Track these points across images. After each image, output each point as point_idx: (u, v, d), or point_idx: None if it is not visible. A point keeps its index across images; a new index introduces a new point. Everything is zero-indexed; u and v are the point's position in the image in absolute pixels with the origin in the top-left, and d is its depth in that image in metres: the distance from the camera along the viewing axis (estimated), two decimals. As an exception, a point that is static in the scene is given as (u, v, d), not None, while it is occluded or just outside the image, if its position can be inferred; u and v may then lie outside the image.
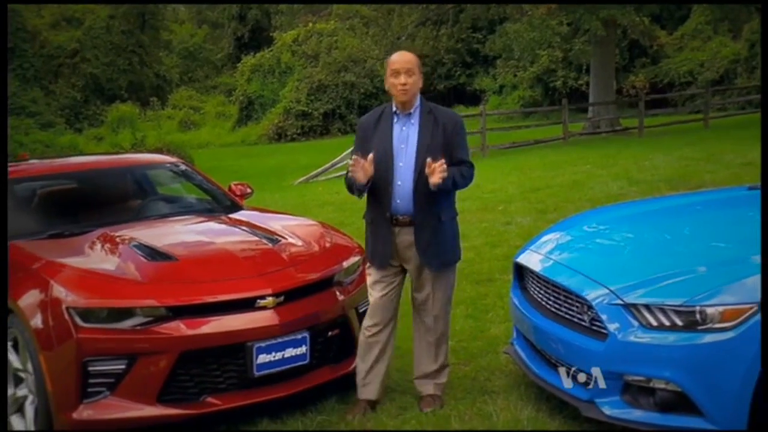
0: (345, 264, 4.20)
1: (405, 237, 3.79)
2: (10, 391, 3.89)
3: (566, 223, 4.69)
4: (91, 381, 3.51)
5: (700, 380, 3.00)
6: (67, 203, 5.14)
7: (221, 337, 3.63)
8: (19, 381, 3.84)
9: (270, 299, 3.75)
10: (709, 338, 3.00)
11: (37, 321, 3.59)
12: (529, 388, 3.96)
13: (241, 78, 35.49)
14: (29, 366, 3.67)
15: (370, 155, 3.70)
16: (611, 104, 22.83)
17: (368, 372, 3.91)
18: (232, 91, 38.10)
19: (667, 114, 24.43)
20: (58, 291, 3.61)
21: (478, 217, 9.27)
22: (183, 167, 5.71)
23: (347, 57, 31.78)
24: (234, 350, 3.66)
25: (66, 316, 3.52)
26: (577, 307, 3.48)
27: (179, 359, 3.56)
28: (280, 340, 3.73)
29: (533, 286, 3.95)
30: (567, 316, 3.55)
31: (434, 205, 3.76)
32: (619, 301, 3.22)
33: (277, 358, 3.72)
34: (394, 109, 3.86)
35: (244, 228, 4.56)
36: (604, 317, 3.25)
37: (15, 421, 3.86)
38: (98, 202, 5.17)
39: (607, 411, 3.25)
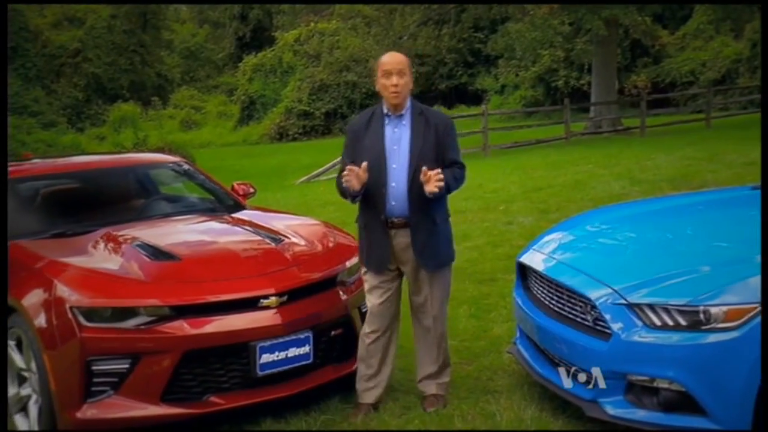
0: (348, 263, 4.19)
1: (401, 239, 3.78)
2: (13, 390, 3.90)
3: (569, 222, 4.69)
4: (95, 380, 3.51)
5: (703, 380, 3.00)
6: (70, 203, 5.14)
7: (224, 336, 3.63)
8: (22, 380, 3.85)
9: (273, 299, 3.75)
10: (712, 338, 3.00)
11: (40, 320, 3.59)
12: (533, 388, 3.96)
13: (243, 78, 35.50)
14: (33, 365, 3.68)
15: (365, 164, 3.65)
16: (613, 104, 22.83)
17: (371, 378, 3.91)
18: (233, 91, 38.12)
19: (669, 114, 24.42)
20: (62, 290, 3.61)
21: (480, 217, 9.27)
22: (186, 167, 5.72)
23: (349, 57, 31.78)
24: (237, 350, 3.66)
25: (69, 315, 3.53)
26: (580, 306, 3.47)
27: (182, 359, 3.56)
28: (283, 339, 3.73)
29: (536, 285, 3.95)
30: (570, 316, 3.55)
31: (429, 206, 3.74)
32: (623, 301, 3.22)
33: (280, 357, 3.72)
34: (384, 110, 3.83)
35: (247, 227, 4.56)
36: (607, 317, 3.25)
37: (19, 421, 3.87)
38: (101, 202, 5.17)
39: (611, 411, 3.25)
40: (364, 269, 3.91)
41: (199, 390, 3.64)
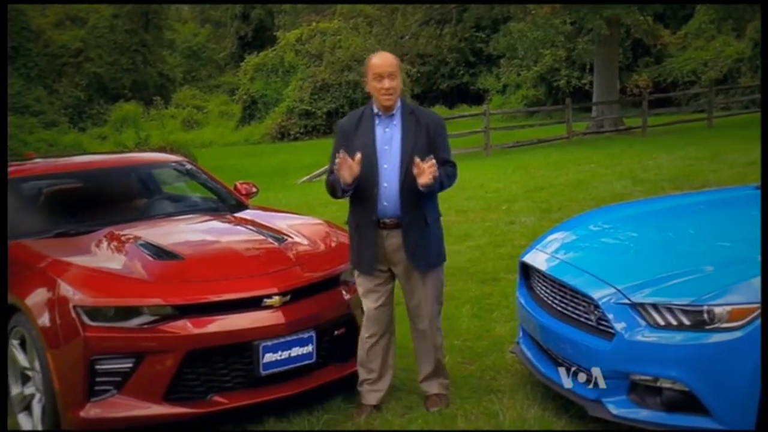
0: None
1: (393, 240, 3.76)
2: (17, 389, 3.91)
3: (572, 222, 4.69)
4: (98, 379, 3.52)
5: (707, 380, 3.00)
6: (73, 202, 5.15)
7: (228, 336, 3.64)
8: (26, 379, 3.86)
9: (276, 298, 3.75)
10: (716, 338, 2.99)
11: (44, 319, 3.60)
12: (536, 388, 3.96)
13: (245, 77, 35.47)
14: (36, 364, 3.69)
15: (358, 155, 3.62)
16: (615, 103, 22.81)
17: (374, 382, 3.92)
18: (235, 90, 38.08)
19: (671, 113, 24.41)
20: (65, 289, 3.62)
21: (482, 217, 9.28)
22: (188, 166, 5.72)
23: (351, 56, 31.74)
24: (240, 349, 3.66)
25: (73, 314, 3.53)
26: (583, 306, 3.47)
27: (186, 358, 3.56)
28: (286, 339, 3.73)
29: (539, 285, 3.95)
30: (573, 316, 3.55)
31: (421, 206, 3.73)
32: (626, 301, 3.22)
33: (283, 356, 3.73)
34: (375, 110, 3.81)
35: (249, 227, 4.56)
36: (610, 316, 3.25)
37: (22, 420, 3.88)
38: (104, 201, 5.18)
39: (614, 410, 3.25)
40: (356, 272, 3.89)
41: (203, 389, 3.65)
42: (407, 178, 3.66)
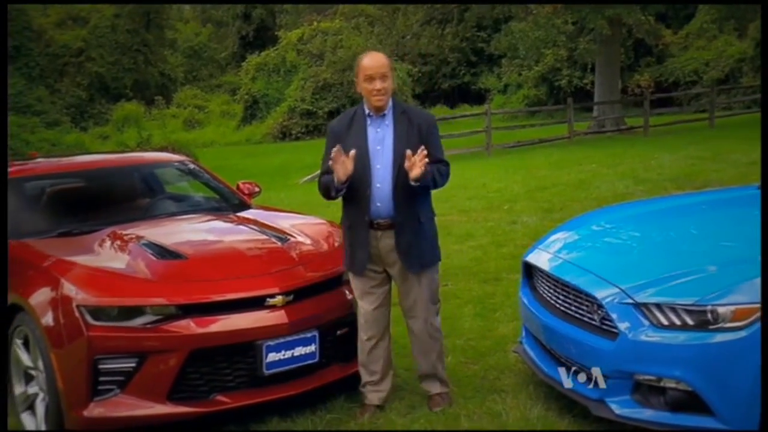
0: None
1: (387, 241, 3.74)
2: (20, 388, 3.91)
3: (574, 222, 4.69)
4: (102, 379, 3.52)
5: (711, 380, 3.00)
6: (77, 202, 5.15)
7: (231, 335, 3.64)
8: (29, 378, 3.86)
9: (279, 298, 3.75)
10: (720, 338, 2.99)
11: (47, 319, 3.60)
12: (539, 387, 3.96)
13: (246, 77, 35.46)
14: (40, 364, 3.69)
15: (353, 151, 3.60)
16: (616, 103, 22.79)
17: (376, 383, 3.92)
18: (236, 90, 38.07)
19: (673, 113, 24.38)
20: (69, 289, 3.62)
21: (484, 216, 9.27)
22: (191, 165, 5.72)
23: (352, 56, 31.64)
24: (244, 349, 3.67)
25: (76, 314, 3.54)
26: (587, 306, 3.47)
27: (189, 357, 3.56)
28: (289, 338, 3.73)
29: (542, 285, 3.95)
30: (577, 315, 3.55)
31: (414, 206, 3.72)
32: (630, 300, 3.22)
33: (286, 356, 3.73)
34: (366, 111, 3.79)
35: (252, 227, 4.56)
36: (614, 316, 3.25)
37: (26, 419, 3.88)
38: (107, 201, 5.18)
39: (617, 410, 3.25)
40: (350, 274, 3.88)
41: (206, 389, 3.65)
42: (400, 179, 3.64)
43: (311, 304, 3.89)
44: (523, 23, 22.04)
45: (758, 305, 2.97)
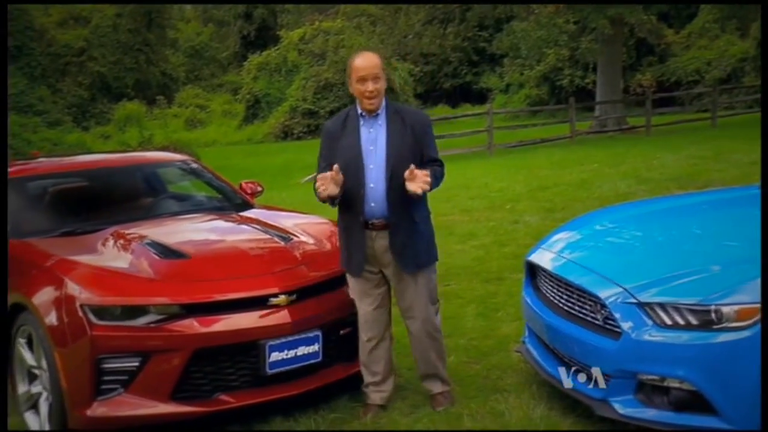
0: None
1: (382, 241, 3.73)
2: (24, 387, 3.92)
3: (577, 221, 4.69)
4: (105, 378, 3.53)
5: (714, 379, 3.00)
6: (79, 201, 5.15)
7: (234, 335, 3.64)
8: (33, 378, 3.87)
9: (282, 297, 3.75)
10: (723, 337, 2.99)
11: (51, 318, 3.61)
12: (542, 387, 3.95)
13: (248, 76, 35.46)
14: (43, 363, 3.70)
15: (335, 165, 3.60)
16: (618, 103, 22.77)
17: (379, 383, 3.92)
18: (238, 90, 38.07)
19: (674, 113, 24.34)
20: (72, 288, 3.62)
21: (486, 216, 9.27)
22: (193, 165, 5.73)
23: (354, 56, 31.70)
24: (247, 348, 3.67)
25: (80, 313, 3.54)
26: (590, 305, 3.47)
27: (192, 357, 3.56)
28: (292, 338, 3.73)
29: (545, 284, 3.95)
30: (580, 315, 3.55)
31: (408, 206, 3.69)
32: (633, 300, 3.22)
33: (289, 356, 3.73)
34: (359, 111, 3.78)
35: (255, 226, 4.56)
36: (617, 316, 3.25)
37: (29, 418, 3.89)
38: (110, 200, 5.18)
39: (621, 410, 3.25)
40: (348, 275, 3.88)
41: (209, 388, 3.65)
42: (394, 179, 3.63)
43: (314, 304, 3.89)
44: (524, 23, 22.04)
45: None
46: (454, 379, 4.10)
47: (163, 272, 3.82)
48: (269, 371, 3.69)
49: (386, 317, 3.92)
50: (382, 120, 3.76)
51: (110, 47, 38.47)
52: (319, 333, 3.84)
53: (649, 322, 3.16)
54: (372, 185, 3.69)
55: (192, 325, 3.58)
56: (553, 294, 3.83)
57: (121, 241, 4.22)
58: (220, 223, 4.74)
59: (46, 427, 3.75)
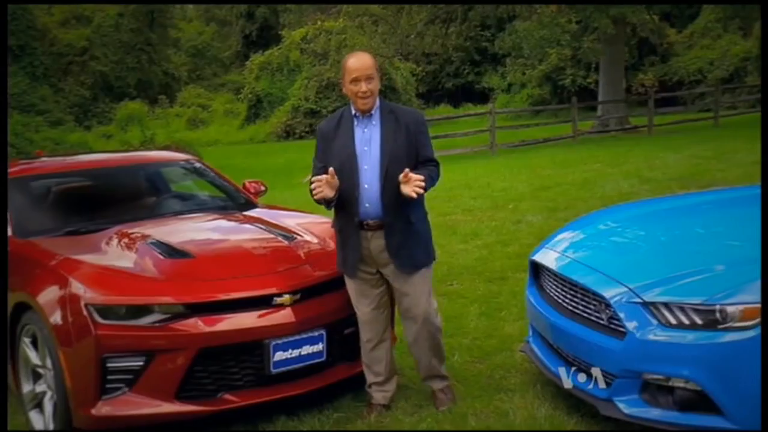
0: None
1: (378, 242, 3.72)
2: (29, 387, 3.92)
3: (581, 221, 4.69)
4: (110, 377, 3.53)
5: (719, 379, 3.00)
6: (83, 200, 5.15)
7: (238, 334, 3.64)
8: (37, 377, 3.87)
9: (286, 297, 3.76)
10: (728, 337, 2.99)
11: (56, 317, 3.61)
12: (546, 386, 3.95)
13: (250, 76, 35.49)
14: (48, 362, 3.70)
15: (331, 169, 3.60)
16: (620, 102, 22.77)
17: (382, 383, 3.92)
18: (240, 89, 38.10)
19: (677, 112, 24.30)
20: (77, 287, 3.62)
21: (489, 216, 9.27)
22: (197, 164, 5.72)
23: (356, 55, 31.68)
24: (251, 347, 3.67)
25: (85, 312, 3.54)
26: (594, 305, 3.47)
27: (197, 356, 3.57)
28: (296, 337, 3.73)
29: (549, 284, 3.94)
30: (584, 315, 3.54)
31: (404, 206, 3.68)
32: (638, 300, 3.22)
33: (293, 355, 3.73)
34: (353, 111, 3.77)
35: (259, 225, 4.56)
36: (622, 315, 3.25)
37: (34, 417, 3.89)
38: (114, 200, 5.19)
39: (626, 409, 3.25)
40: (345, 276, 3.88)
41: (213, 388, 3.65)
42: (388, 179, 3.62)
43: (318, 303, 3.89)
44: (527, 22, 22.02)
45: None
46: (457, 379, 4.10)
47: (168, 272, 3.82)
48: (273, 370, 3.69)
49: (385, 318, 3.92)
50: (376, 120, 3.75)
51: (112, 47, 38.53)
52: (323, 332, 3.84)
53: (654, 322, 3.16)
54: (366, 186, 3.68)
55: (196, 325, 3.58)
56: (557, 293, 3.83)
57: (125, 241, 4.22)
58: (224, 223, 4.74)
59: (51, 427, 3.75)
